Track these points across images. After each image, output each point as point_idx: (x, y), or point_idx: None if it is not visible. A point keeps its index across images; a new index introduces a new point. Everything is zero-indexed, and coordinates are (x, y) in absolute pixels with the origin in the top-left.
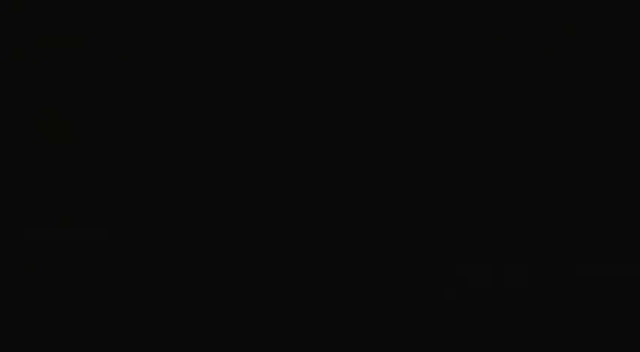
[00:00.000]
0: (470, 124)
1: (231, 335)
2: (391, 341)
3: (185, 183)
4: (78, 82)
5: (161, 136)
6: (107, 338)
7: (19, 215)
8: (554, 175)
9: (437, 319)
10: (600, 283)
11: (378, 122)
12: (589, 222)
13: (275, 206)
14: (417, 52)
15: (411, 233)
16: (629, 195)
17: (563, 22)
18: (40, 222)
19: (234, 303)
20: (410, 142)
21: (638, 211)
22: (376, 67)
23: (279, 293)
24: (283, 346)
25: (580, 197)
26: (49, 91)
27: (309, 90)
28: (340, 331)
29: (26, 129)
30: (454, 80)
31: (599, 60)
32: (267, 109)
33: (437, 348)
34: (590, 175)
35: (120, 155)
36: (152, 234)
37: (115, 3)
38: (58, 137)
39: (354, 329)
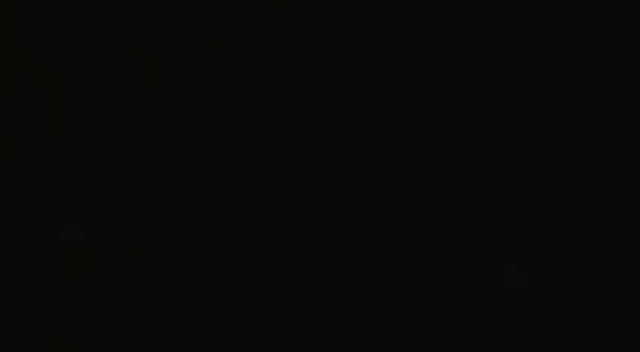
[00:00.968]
0: (471, 125)
1: (214, 335)
2: (392, 340)
3: (164, 182)
4: (55, 81)
5: (139, 134)
6: (85, 338)
7: None
8: (553, 175)
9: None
10: (599, 283)
11: (378, 122)
12: (589, 221)
13: (262, 203)
14: (417, 51)
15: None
16: (630, 194)
17: (563, 22)
18: (16, 221)
19: (216, 303)
20: (409, 142)
21: (638, 211)
22: (377, 67)
23: (266, 293)
24: (272, 346)
25: (580, 197)
26: (28, 92)
27: (309, 90)
28: (341, 331)
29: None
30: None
31: (598, 60)
32: (250, 107)
33: (437, 348)
34: (590, 175)
35: (96, 153)
36: (129, 233)
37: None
38: (33, 135)
39: (356, 328)
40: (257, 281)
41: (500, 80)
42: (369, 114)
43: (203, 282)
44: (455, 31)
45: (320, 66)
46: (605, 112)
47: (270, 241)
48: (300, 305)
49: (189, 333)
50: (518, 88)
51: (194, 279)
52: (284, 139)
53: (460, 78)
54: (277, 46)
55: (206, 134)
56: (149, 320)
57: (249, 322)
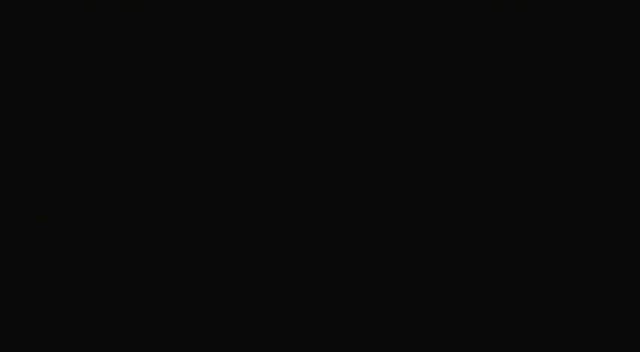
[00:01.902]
0: (467, 125)
1: (213, 334)
2: (390, 340)
3: (164, 182)
4: (57, 82)
5: (138, 135)
6: (84, 337)
7: None
8: (552, 175)
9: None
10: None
11: (378, 122)
12: (589, 221)
13: (262, 204)
14: (417, 52)
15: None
16: (630, 195)
17: (562, 22)
18: (16, 221)
19: (215, 302)
20: (408, 141)
21: (638, 211)
22: (378, 67)
23: (264, 293)
24: (272, 346)
25: (579, 197)
26: (30, 93)
27: (308, 90)
28: (341, 331)
29: (3, 129)
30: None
31: (596, 60)
32: (250, 107)
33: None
34: (590, 175)
35: (97, 155)
36: (129, 233)
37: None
38: (35, 137)
39: (355, 328)
40: (257, 280)
41: (499, 79)
42: (369, 114)
43: (203, 282)
44: (454, 30)
45: (320, 65)
46: (604, 112)
47: (270, 240)
48: (299, 306)
49: (189, 332)
50: (516, 90)
51: (174, 279)
52: (284, 139)
53: (458, 75)
54: (276, 46)
55: (184, 131)
56: (149, 320)
57: (249, 321)
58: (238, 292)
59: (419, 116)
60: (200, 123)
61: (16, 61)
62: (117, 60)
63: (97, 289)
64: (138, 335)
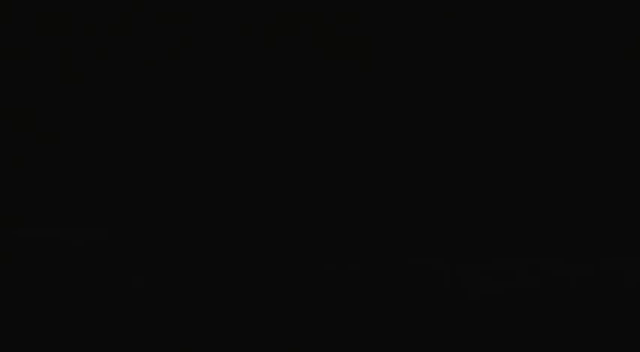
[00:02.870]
0: (470, 124)
1: (231, 334)
2: (391, 340)
3: (184, 182)
4: (74, 82)
5: (160, 137)
6: (105, 337)
7: (19, 214)
8: (553, 174)
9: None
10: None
11: (379, 122)
12: (588, 221)
13: (279, 206)
14: (417, 51)
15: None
16: (630, 195)
17: (563, 22)
18: (40, 221)
19: (234, 302)
20: (410, 142)
21: (638, 211)
22: (380, 66)
23: (283, 295)
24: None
25: (580, 196)
26: (49, 92)
27: (309, 90)
28: (341, 330)
29: (25, 129)
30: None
31: (595, 60)
32: (267, 109)
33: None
34: (590, 175)
35: (120, 156)
36: (152, 233)
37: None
38: (58, 137)
39: (356, 328)
40: (267, 281)
41: (496, 81)
42: (368, 114)
43: (203, 282)
44: (455, 30)
45: (320, 65)
46: (603, 113)
47: (271, 239)
48: (299, 305)
49: (193, 332)
50: (515, 91)
51: (195, 279)
52: (289, 140)
53: (456, 72)
54: (277, 46)
55: (204, 134)
56: (152, 320)
57: (257, 323)
58: (253, 291)
59: (421, 116)
60: (209, 125)
61: (19, 58)
62: (131, 62)
63: (120, 286)
64: (158, 332)
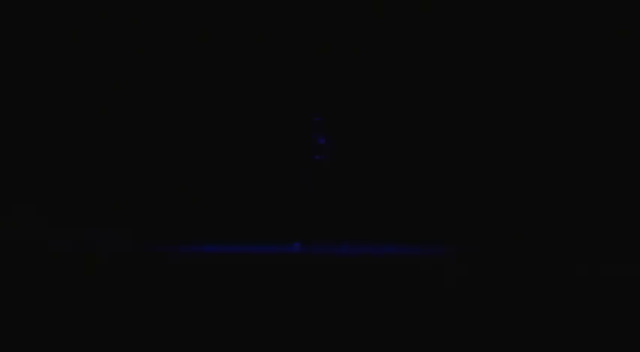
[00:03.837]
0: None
1: (236, 336)
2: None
3: (189, 183)
4: (81, 85)
5: (168, 138)
6: (110, 339)
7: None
8: (554, 174)
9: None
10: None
11: (379, 121)
12: (588, 222)
13: (282, 206)
14: (417, 51)
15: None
16: (630, 195)
17: (562, 22)
18: (57, 222)
19: (240, 306)
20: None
21: (638, 211)
22: (381, 66)
23: (286, 300)
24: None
25: (580, 197)
26: (60, 96)
27: (308, 90)
28: (341, 330)
29: (39, 133)
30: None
31: (594, 60)
32: (266, 109)
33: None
34: (590, 176)
35: (127, 159)
36: (158, 234)
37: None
38: (72, 140)
39: (356, 328)
40: (275, 283)
41: (498, 80)
42: (368, 114)
43: (206, 283)
44: (454, 30)
45: (320, 65)
46: (603, 113)
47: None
48: (298, 306)
49: (197, 334)
50: (515, 92)
51: (198, 281)
52: (285, 140)
53: (453, 70)
54: (276, 46)
55: (210, 136)
56: (156, 322)
57: (264, 326)
58: (262, 295)
59: (422, 116)
60: (215, 128)
61: (23, 60)
62: (132, 64)
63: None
64: (158, 332)
